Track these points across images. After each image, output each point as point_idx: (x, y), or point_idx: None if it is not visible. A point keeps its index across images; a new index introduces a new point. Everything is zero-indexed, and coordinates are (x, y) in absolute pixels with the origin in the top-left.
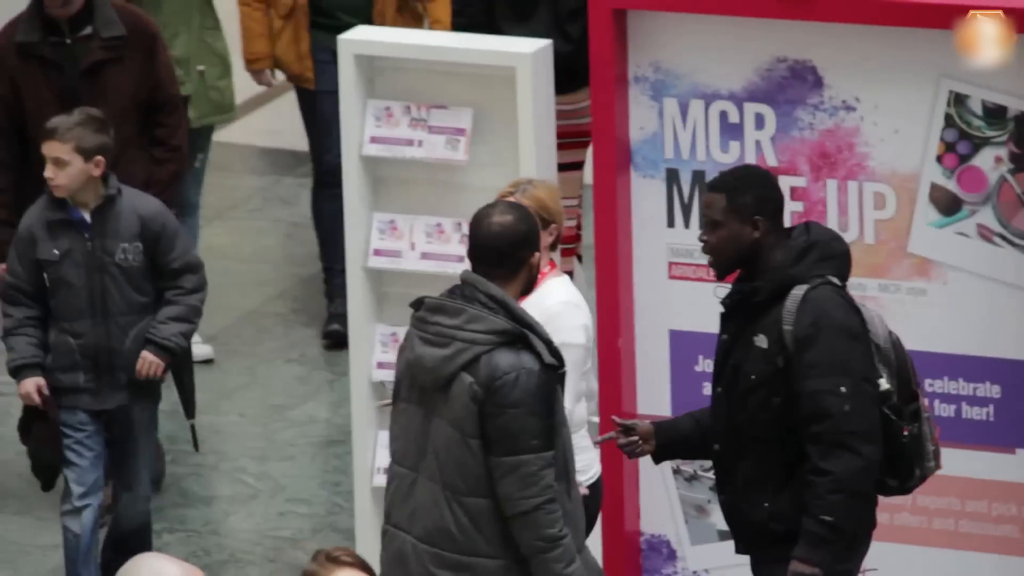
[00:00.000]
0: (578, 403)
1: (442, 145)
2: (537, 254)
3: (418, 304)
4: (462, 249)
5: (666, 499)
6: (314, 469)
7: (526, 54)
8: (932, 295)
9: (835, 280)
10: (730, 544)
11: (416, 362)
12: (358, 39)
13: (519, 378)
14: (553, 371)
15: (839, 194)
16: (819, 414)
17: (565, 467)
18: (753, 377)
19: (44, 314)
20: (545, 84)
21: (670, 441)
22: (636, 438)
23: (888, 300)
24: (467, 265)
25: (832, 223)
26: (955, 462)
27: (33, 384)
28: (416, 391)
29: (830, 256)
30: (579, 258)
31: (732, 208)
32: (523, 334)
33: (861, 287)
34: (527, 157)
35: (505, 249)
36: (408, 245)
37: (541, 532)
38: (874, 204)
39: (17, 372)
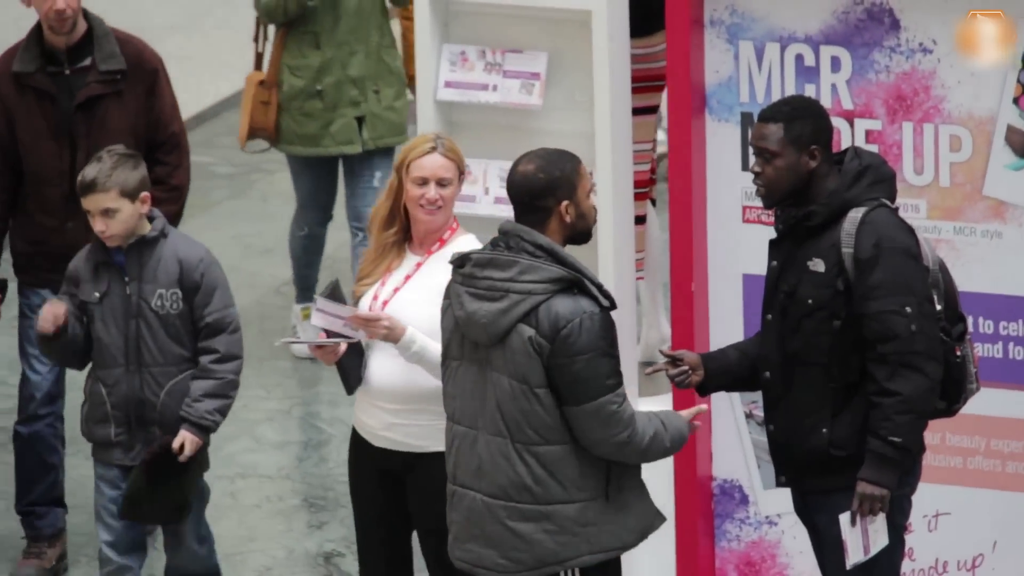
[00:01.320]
0: None
1: (517, 89)
2: (567, 202)
3: (462, 261)
4: None
5: (738, 444)
6: None
7: None
8: (1007, 237)
9: (888, 203)
10: None
11: (468, 318)
12: None
13: (583, 323)
14: (608, 312)
15: (915, 137)
16: (886, 335)
17: None
18: (810, 301)
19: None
20: (620, 28)
21: (718, 371)
22: (686, 367)
23: (963, 243)
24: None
25: (908, 166)
26: None
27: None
28: (468, 347)
29: (882, 179)
30: (653, 202)
31: (790, 138)
32: (579, 279)
33: (936, 230)
34: (602, 101)
35: (525, 198)
36: (482, 190)
37: (639, 451)
38: (950, 147)
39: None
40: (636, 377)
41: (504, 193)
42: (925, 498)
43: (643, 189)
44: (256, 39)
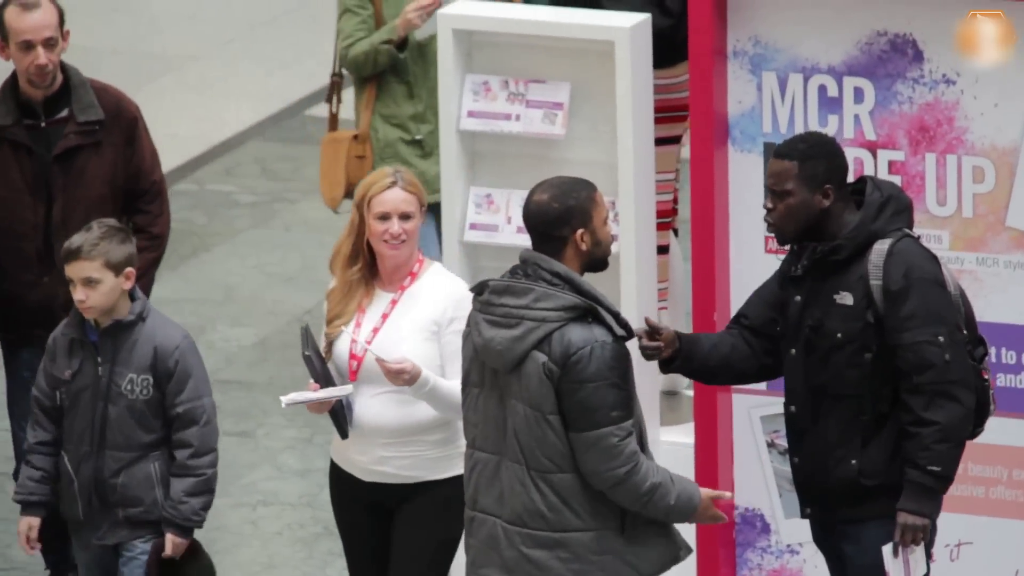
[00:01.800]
0: None
1: (539, 119)
2: (582, 230)
3: (480, 288)
4: None
5: (760, 472)
6: None
7: (624, 28)
8: None
9: (910, 232)
10: None
11: (485, 346)
12: (457, 14)
13: (593, 351)
14: (623, 341)
15: (938, 168)
16: (921, 365)
17: (640, 436)
18: (839, 335)
19: (59, 437)
20: (643, 58)
21: (688, 355)
22: (660, 344)
23: (985, 274)
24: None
25: (931, 197)
26: None
27: (26, 525)
28: (488, 375)
29: (902, 209)
30: (675, 232)
31: (804, 177)
32: (592, 307)
33: (959, 261)
34: (625, 131)
35: (541, 227)
36: (505, 219)
37: (637, 494)
38: (972, 178)
39: (21, 507)
40: (658, 406)
41: None
42: (948, 528)
43: (666, 219)
44: (330, 99)
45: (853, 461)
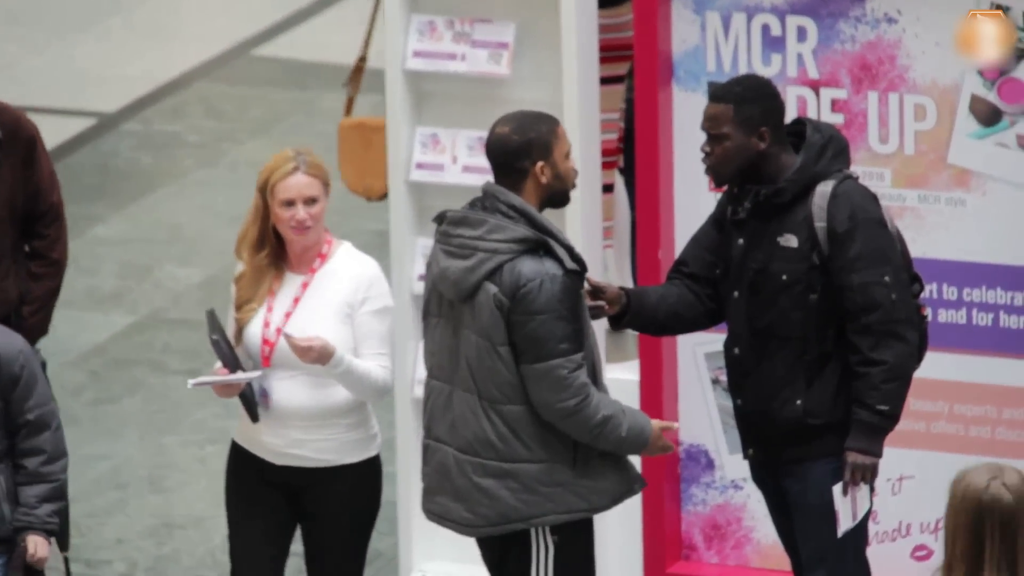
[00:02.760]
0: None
1: (485, 59)
2: (542, 163)
3: (440, 218)
4: None
5: (704, 409)
6: None
7: None
8: (971, 205)
9: (851, 172)
10: None
11: (441, 275)
12: None
13: (543, 284)
14: (576, 276)
15: (880, 106)
16: (869, 305)
17: (593, 371)
18: (784, 277)
19: None
20: None
21: (636, 309)
22: (602, 302)
23: (927, 211)
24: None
25: (873, 135)
26: (993, 371)
27: None
28: (444, 305)
29: (842, 150)
30: (620, 171)
31: (739, 120)
32: (544, 241)
33: (900, 198)
34: (569, 71)
35: (501, 159)
36: (450, 159)
37: (587, 426)
38: (914, 116)
39: None
40: (603, 344)
41: (472, 161)
42: (889, 462)
43: (611, 158)
44: (351, 83)
45: (798, 401)
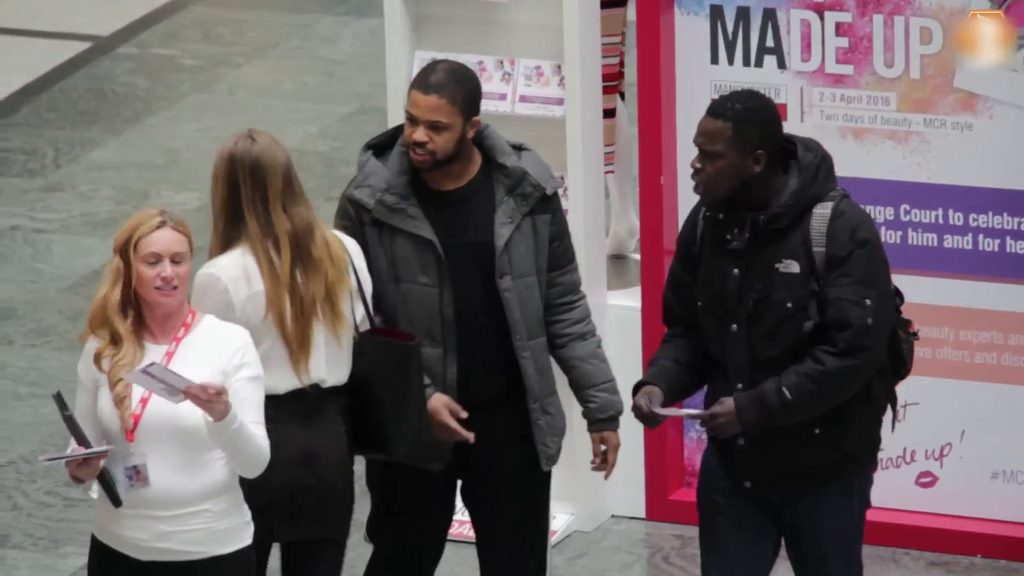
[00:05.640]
0: None
1: None
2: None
3: None
4: (504, 87)
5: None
6: None
7: None
8: (978, 130)
9: (844, 190)
10: None
11: None
12: None
13: None
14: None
15: (885, 29)
16: (842, 323)
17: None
18: (789, 304)
19: None
20: None
21: (671, 390)
22: (654, 413)
23: (933, 135)
24: (507, 104)
25: (878, 58)
26: (999, 297)
27: None
28: None
29: (831, 168)
30: (622, 96)
31: (737, 140)
32: None
33: (906, 122)
34: None
35: None
36: None
37: None
38: (920, 39)
39: None
40: (605, 271)
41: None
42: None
43: (612, 83)
44: None
45: (816, 431)
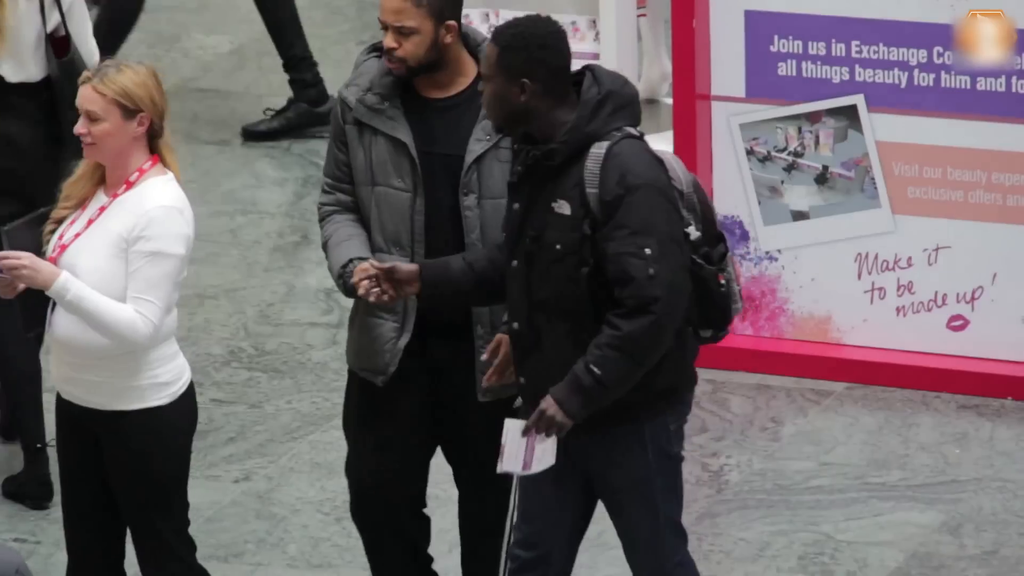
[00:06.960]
0: (169, 314)
1: None
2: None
3: None
4: None
5: (739, 180)
6: None
7: None
8: None
9: (633, 131)
10: (803, 224)
11: None
12: None
13: None
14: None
15: None
16: (623, 278)
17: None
18: (558, 247)
19: None
20: None
21: (437, 281)
22: (377, 288)
23: None
24: None
25: None
26: None
27: None
28: None
29: (623, 105)
30: None
31: (502, 65)
32: None
33: None
34: None
35: None
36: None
37: None
38: None
39: None
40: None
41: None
42: (926, 231)
43: None
44: None
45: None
